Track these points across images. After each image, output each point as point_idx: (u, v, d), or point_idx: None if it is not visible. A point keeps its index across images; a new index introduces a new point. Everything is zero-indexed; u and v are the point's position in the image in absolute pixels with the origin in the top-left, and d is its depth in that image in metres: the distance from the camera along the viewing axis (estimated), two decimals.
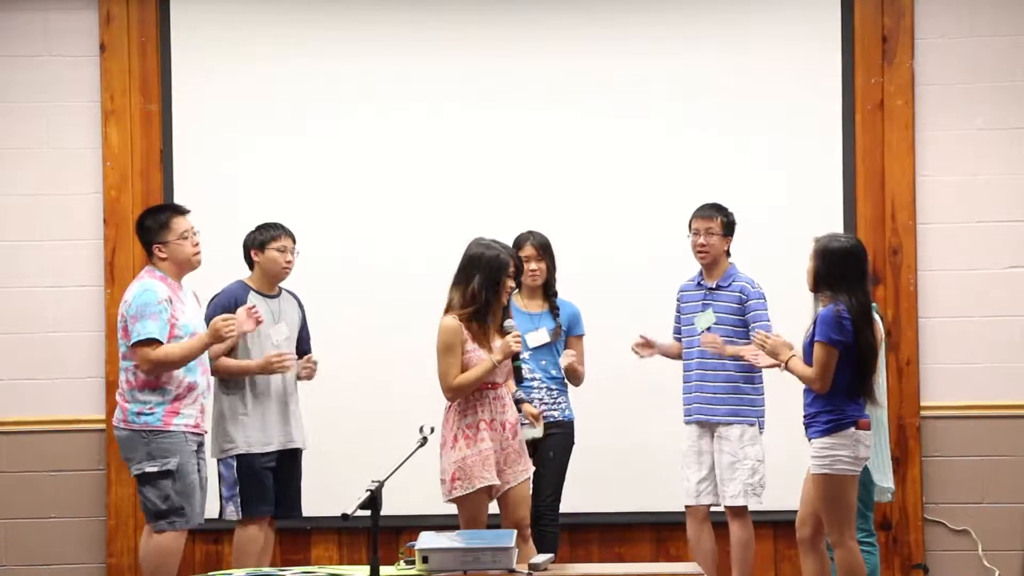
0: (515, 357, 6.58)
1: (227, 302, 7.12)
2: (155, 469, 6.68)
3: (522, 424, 6.76)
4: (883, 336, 7.05)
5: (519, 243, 7.31)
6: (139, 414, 6.70)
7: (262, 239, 7.23)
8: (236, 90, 8.25)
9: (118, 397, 6.80)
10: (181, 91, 8.22)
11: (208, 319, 6.98)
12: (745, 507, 7.16)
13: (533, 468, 6.74)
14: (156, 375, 6.67)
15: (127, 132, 8.21)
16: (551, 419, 7.26)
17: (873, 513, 7.13)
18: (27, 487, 8.19)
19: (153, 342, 6.63)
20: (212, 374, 7.00)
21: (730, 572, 7.28)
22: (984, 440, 8.10)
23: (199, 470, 6.79)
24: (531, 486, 6.76)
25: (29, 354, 8.21)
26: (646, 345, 7.40)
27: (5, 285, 8.23)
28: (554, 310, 7.37)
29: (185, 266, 6.86)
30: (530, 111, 8.23)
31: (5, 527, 8.20)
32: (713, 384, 7.19)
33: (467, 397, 6.59)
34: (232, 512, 7.09)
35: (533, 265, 7.32)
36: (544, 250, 7.30)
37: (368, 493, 5.60)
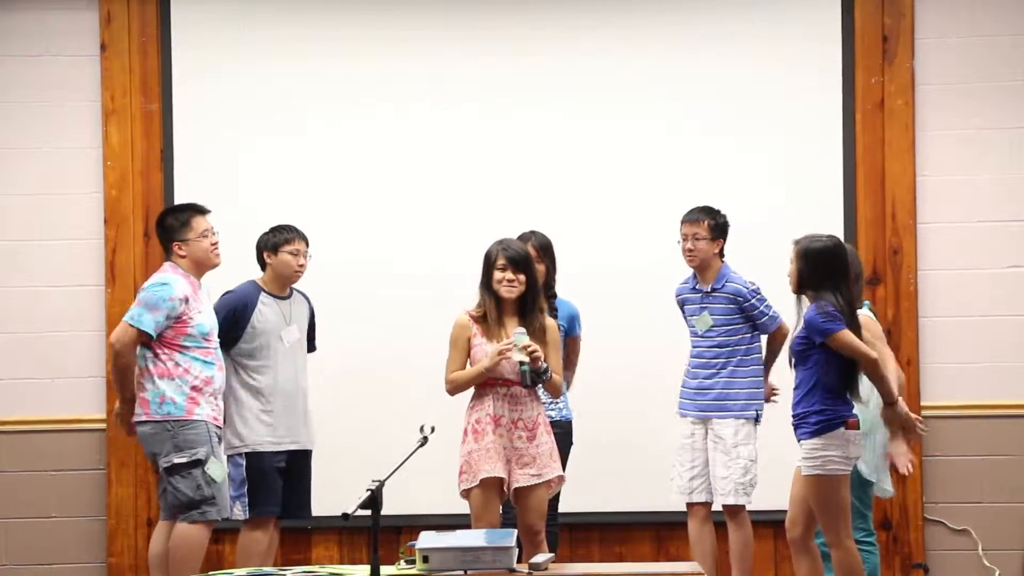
0: (522, 361, 6.56)
1: (237, 303, 7.14)
2: (184, 460, 6.69)
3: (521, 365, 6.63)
4: (881, 334, 7.06)
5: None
6: (161, 403, 6.71)
7: (275, 241, 7.24)
8: (236, 90, 8.25)
9: (135, 389, 6.81)
10: (181, 91, 8.23)
11: (217, 312, 7.03)
12: (742, 506, 7.16)
13: (555, 476, 6.66)
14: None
15: (127, 132, 8.21)
16: (549, 419, 7.24)
17: (872, 513, 7.13)
18: (27, 487, 8.19)
19: (142, 335, 6.67)
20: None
21: (730, 572, 7.28)
22: (984, 440, 8.10)
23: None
24: (549, 494, 6.69)
25: (29, 354, 8.21)
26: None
27: (6, 285, 8.24)
28: (553, 311, 7.35)
29: (204, 264, 6.90)
30: (531, 112, 8.23)
31: (5, 527, 8.20)
32: (708, 381, 7.19)
33: (478, 393, 6.63)
34: (240, 512, 7.10)
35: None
36: (544, 251, 7.29)
37: (369, 493, 5.60)
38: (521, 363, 6.53)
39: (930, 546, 8.11)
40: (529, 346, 6.51)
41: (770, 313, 7.16)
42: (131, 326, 6.70)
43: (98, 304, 8.21)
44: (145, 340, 6.72)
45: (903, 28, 8.13)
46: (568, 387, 7.42)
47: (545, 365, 6.55)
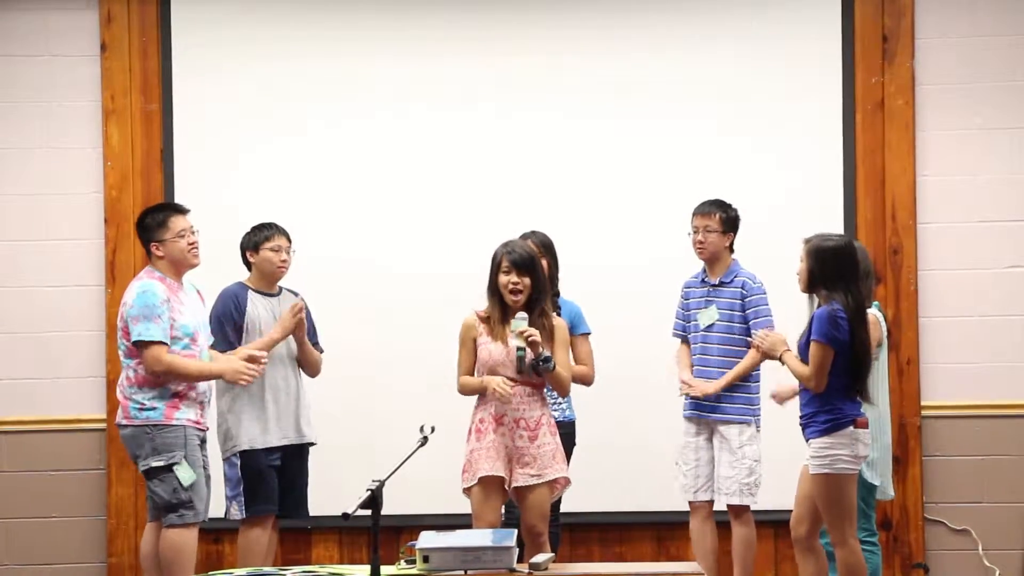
0: (519, 347, 6.56)
1: (226, 309, 7.13)
2: (161, 463, 6.69)
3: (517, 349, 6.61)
4: (885, 334, 7.06)
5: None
6: (141, 409, 6.71)
7: (256, 240, 7.24)
8: (236, 90, 8.25)
9: (119, 394, 6.82)
10: (181, 91, 8.23)
11: (216, 322, 7.04)
12: (747, 506, 7.17)
13: (557, 477, 6.66)
14: (163, 379, 6.69)
15: (128, 132, 8.21)
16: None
17: (875, 513, 7.13)
18: (27, 487, 8.19)
19: (159, 344, 6.65)
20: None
21: (731, 571, 7.28)
22: (984, 440, 8.10)
23: (204, 466, 6.81)
24: (551, 495, 6.68)
25: (29, 354, 8.21)
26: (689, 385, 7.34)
27: (5, 285, 8.23)
28: (556, 309, 7.35)
29: (182, 265, 6.87)
30: (531, 111, 8.23)
31: (6, 527, 8.20)
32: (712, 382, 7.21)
33: (483, 392, 6.65)
34: (236, 512, 7.11)
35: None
36: (546, 249, 7.28)
37: (369, 493, 5.60)
38: (518, 348, 6.54)
39: (930, 546, 8.11)
40: (526, 331, 6.51)
41: (764, 316, 7.14)
42: (148, 343, 6.66)
43: (98, 304, 8.20)
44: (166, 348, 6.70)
45: (903, 28, 8.13)
46: (591, 383, 7.41)
47: (547, 353, 6.55)
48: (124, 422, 6.78)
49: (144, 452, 6.72)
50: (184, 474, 6.70)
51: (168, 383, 6.70)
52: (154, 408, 6.71)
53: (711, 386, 7.16)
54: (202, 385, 6.82)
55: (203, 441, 6.85)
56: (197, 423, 6.80)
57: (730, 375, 7.14)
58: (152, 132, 8.22)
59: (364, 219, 8.22)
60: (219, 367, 6.80)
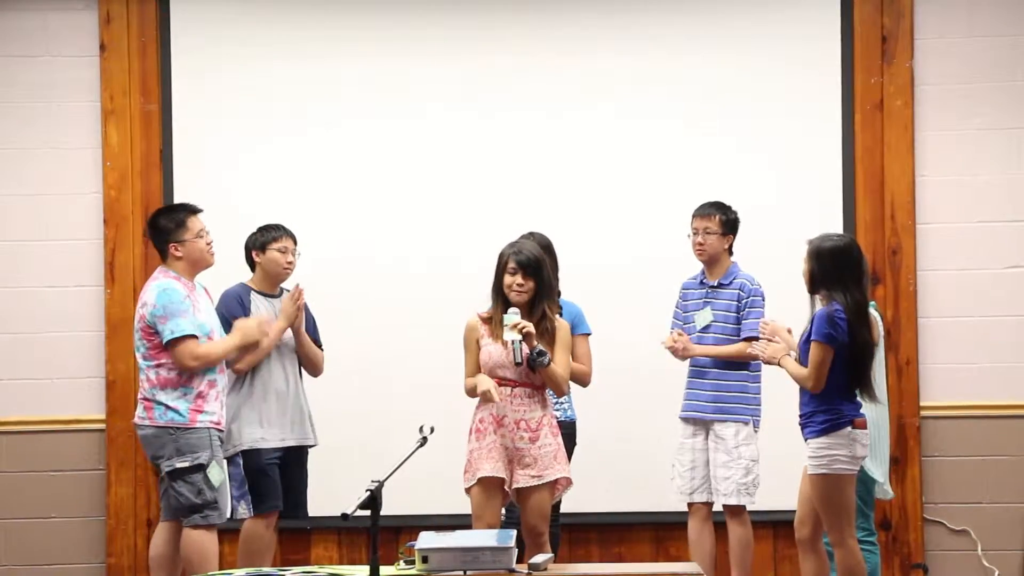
0: (513, 340, 6.54)
1: (231, 305, 7.14)
2: (186, 464, 6.71)
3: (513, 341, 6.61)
4: (882, 334, 7.07)
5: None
6: (165, 411, 6.73)
7: (263, 240, 7.25)
8: (236, 90, 8.25)
9: (140, 399, 6.84)
10: (181, 91, 8.23)
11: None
12: (743, 507, 7.17)
13: (558, 478, 6.65)
14: (194, 371, 6.72)
15: (127, 132, 8.21)
16: None
17: (874, 512, 7.14)
18: (27, 487, 8.19)
19: (190, 338, 6.69)
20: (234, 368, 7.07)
21: (729, 572, 7.28)
22: (984, 440, 8.10)
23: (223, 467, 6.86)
24: (552, 496, 6.68)
25: (29, 354, 8.21)
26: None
27: (5, 285, 8.24)
28: (557, 310, 7.32)
29: (200, 264, 6.91)
30: (530, 111, 8.23)
31: (5, 527, 8.20)
32: (709, 381, 7.21)
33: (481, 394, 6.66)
34: (244, 511, 7.11)
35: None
36: (545, 251, 7.26)
37: (368, 493, 5.60)
38: (512, 341, 6.53)
39: (929, 546, 8.11)
40: (519, 323, 6.51)
41: (755, 317, 7.12)
42: (179, 339, 6.69)
43: (98, 304, 8.21)
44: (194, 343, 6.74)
45: (902, 28, 8.13)
46: (588, 383, 7.40)
47: (540, 348, 6.55)
48: (146, 423, 6.78)
49: (167, 453, 6.73)
50: (216, 475, 6.73)
51: (185, 379, 6.72)
52: (177, 410, 6.72)
53: (696, 349, 7.17)
54: (221, 382, 6.87)
55: (221, 442, 6.88)
56: (218, 424, 6.82)
57: (713, 350, 7.13)
58: (151, 132, 8.22)
59: (364, 219, 8.22)
60: (238, 336, 6.85)
